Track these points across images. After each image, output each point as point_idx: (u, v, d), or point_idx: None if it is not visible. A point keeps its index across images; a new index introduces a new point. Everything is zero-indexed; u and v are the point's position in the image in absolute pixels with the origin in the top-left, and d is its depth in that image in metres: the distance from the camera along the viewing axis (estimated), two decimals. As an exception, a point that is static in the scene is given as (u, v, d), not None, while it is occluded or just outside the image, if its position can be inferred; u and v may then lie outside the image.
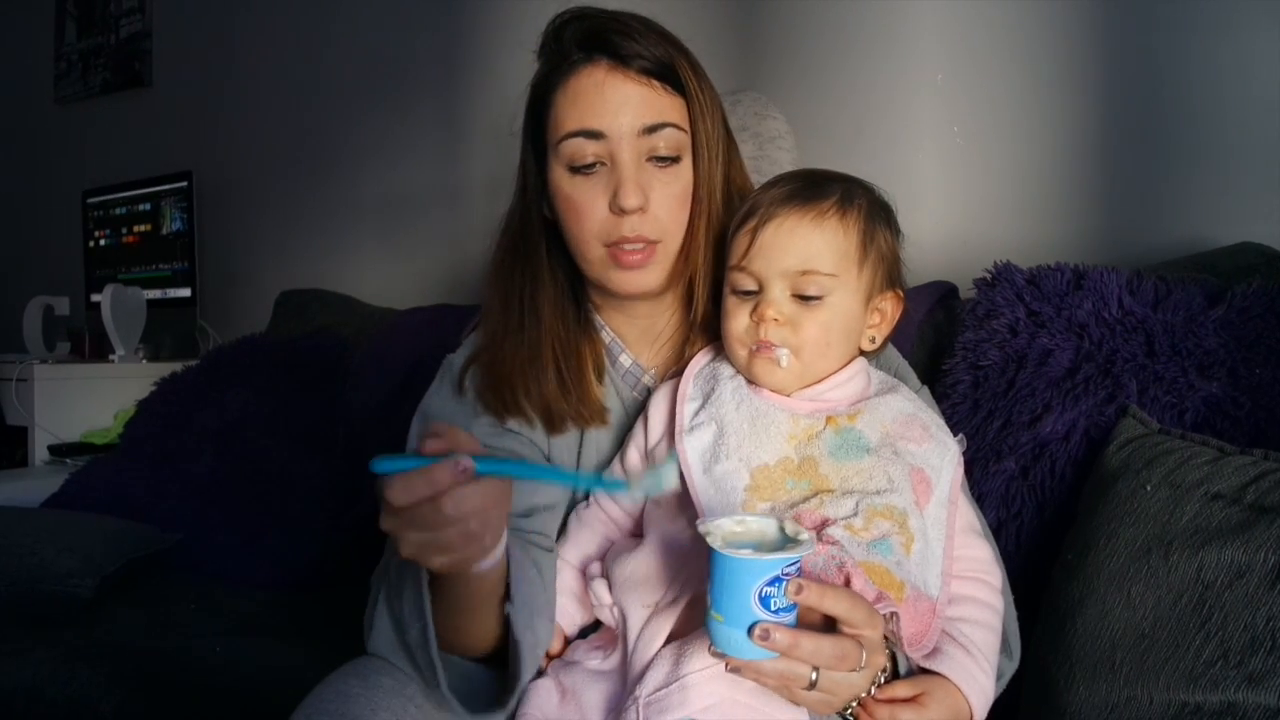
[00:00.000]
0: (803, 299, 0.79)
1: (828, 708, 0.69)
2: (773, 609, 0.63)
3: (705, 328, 0.90)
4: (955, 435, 0.85)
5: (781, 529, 0.68)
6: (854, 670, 0.66)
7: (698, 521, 0.68)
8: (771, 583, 0.62)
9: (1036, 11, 1.54)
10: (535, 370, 0.90)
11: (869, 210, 0.82)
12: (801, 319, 0.79)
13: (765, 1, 1.81)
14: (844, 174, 0.85)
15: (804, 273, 0.79)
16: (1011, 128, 1.57)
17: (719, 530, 0.66)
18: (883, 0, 1.67)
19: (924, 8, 1.64)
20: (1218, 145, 1.40)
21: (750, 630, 0.62)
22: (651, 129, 0.85)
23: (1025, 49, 1.55)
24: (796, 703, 0.69)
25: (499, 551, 0.69)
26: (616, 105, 0.84)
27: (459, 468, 0.60)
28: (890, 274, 0.84)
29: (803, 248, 0.79)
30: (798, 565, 0.64)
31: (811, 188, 0.82)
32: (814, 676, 0.65)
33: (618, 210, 0.84)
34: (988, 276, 1.27)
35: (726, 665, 0.68)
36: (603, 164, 0.85)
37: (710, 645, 0.67)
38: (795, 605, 0.64)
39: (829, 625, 0.68)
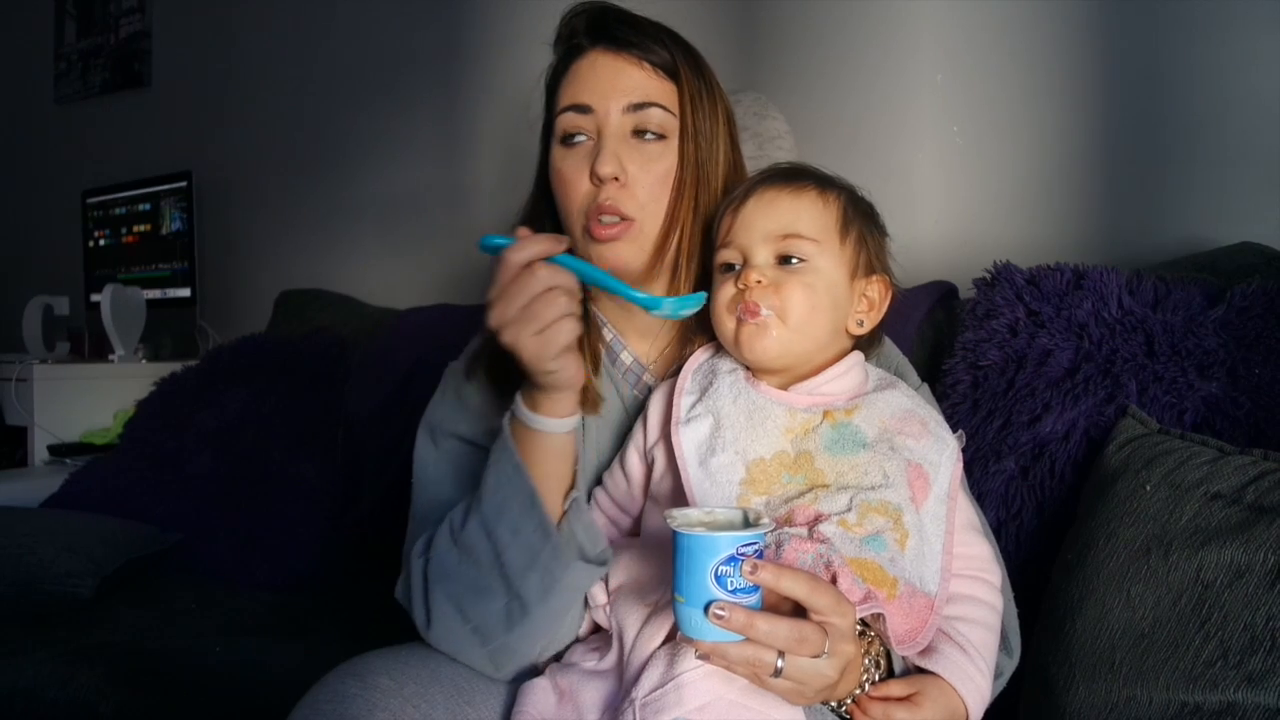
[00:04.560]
0: (785, 261, 0.82)
1: (800, 697, 0.68)
2: (729, 589, 0.64)
3: (704, 325, 0.90)
4: (954, 432, 0.84)
5: (746, 517, 0.70)
6: (817, 656, 0.65)
7: (666, 511, 0.69)
8: (727, 562, 0.64)
9: (1036, 12, 1.53)
10: None
11: (849, 198, 0.86)
12: (785, 280, 0.81)
13: (765, 1, 1.81)
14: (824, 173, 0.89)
15: (785, 236, 0.82)
16: (1011, 128, 1.57)
17: (684, 518, 0.68)
18: (883, 0, 1.67)
19: (924, 8, 1.63)
20: (1218, 145, 1.40)
21: (706, 609, 0.63)
22: (638, 106, 0.88)
23: (1025, 49, 1.55)
24: (769, 691, 0.68)
25: (575, 420, 0.80)
26: (607, 82, 0.88)
27: (554, 238, 0.73)
28: (874, 261, 0.86)
29: (783, 213, 0.82)
30: (756, 547, 0.65)
31: (791, 171, 0.87)
32: (780, 664, 0.65)
33: (595, 180, 0.87)
34: (987, 276, 1.27)
35: (696, 651, 0.68)
36: (589, 137, 0.89)
37: (678, 631, 0.68)
38: (757, 589, 0.65)
39: (804, 616, 0.67)
